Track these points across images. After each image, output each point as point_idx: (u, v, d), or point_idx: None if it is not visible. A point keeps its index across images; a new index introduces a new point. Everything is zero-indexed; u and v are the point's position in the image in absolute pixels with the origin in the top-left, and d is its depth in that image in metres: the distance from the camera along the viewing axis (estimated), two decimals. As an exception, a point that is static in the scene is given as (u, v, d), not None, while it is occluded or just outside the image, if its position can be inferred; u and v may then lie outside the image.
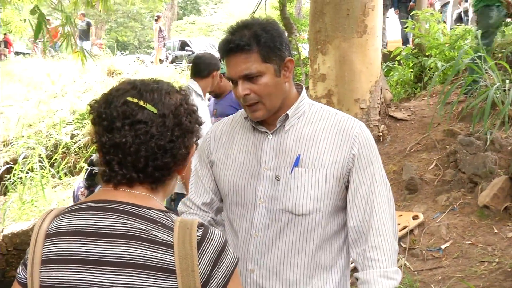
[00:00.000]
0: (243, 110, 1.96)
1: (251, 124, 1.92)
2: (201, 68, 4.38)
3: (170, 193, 1.49)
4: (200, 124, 1.46)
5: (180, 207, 2.14)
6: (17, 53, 21.51)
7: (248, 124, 1.95)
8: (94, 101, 1.40)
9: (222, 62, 1.87)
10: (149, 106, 1.33)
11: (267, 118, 1.87)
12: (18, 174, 9.09)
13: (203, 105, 4.31)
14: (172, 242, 1.27)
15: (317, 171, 1.79)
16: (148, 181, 1.36)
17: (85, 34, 18.33)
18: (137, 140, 1.31)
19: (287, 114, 1.86)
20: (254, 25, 1.79)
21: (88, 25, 18.73)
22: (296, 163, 1.81)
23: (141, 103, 1.33)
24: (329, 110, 1.91)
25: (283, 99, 1.85)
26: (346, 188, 1.84)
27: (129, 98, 1.33)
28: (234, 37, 1.76)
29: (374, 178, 1.82)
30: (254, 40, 1.75)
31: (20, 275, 1.39)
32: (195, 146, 1.45)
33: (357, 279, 1.83)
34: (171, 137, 1.34)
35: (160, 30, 19.80)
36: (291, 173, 1.81)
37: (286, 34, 1.93)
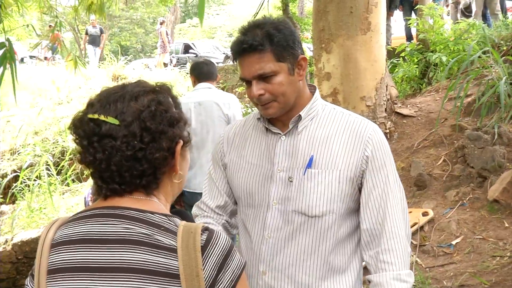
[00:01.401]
0: (255, 111, 1.95)
1: (264, 125, 1.91)
2: (213, 71, 4.45)
3: (176, 194, 1.47)
4: (178, 121, 1.40)
5: (194, 210, 2.13)
6: (22, 60, 21.55)
7: (261, 126, 1.94)
8: (71, 121, 1.37)
9: (235, 62, 1.86)
10: (110, 119, 1.29)
11: (280, 118, 1.87)
12: (25, 182, 9.11)
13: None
14: (176, 246, 1.26)
15: (330, 173, 1.78)
16: (135, 190, 1.34)
17: (97, 40, 18.37)
18: (104, 156, 1.29)
19: (300, 115, 1.84)
20: (266, 25, 1.78)
21: (101, 31, 18.73)
22: (309, 165, 1.80)
23: (102, 117, 1.29)
24: (343, 112, 1.90)
25: (297, 97, 1.84)
26: (359, 190, 1.83)
27: (90, 115, 1.30)
28: (247, 37, 1.75)
29: (387, 181, 1.81)
30: (267, 40, 1.74)
31: (28, 286, 1.39)
32: (181, 142, 1.39)
33: (369, 282, 1.82)
34: (140, 145, 1.30)
35: (166, 34, 19.81)
36: (304, 174, 1.80)
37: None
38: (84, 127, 1.31)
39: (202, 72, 4.39)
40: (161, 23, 20.67)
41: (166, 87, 1.43)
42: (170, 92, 1.43)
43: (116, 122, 1.29)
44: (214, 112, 4.15)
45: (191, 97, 4.27)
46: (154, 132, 1.32)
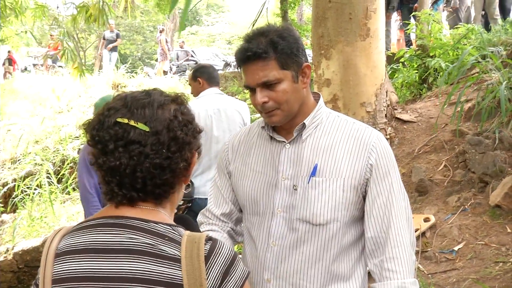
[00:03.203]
0: (260, 119, 1.96)
1: (268, 133, 1.92)
2: (218, 76, 4.44)
3: (178, 203, 1.48)
4: (198, 132, 1.43)
5: (200, 218, 2.14)
6: (25, 69, 21.59)
7: (265, 134, 1.94)
8: (87, 122, 1.37)
9: (240, 70, 1.86)
10: (140, 125, 1.30)
11: (284, 126, 1.88)
12: (26, 191, 9.12)
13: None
14: (180, 256, 1.27)
15: (335, 181, 1.79)
16: (151, 198, 1.35)
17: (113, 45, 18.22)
18: (131, 161, 1.29)
19: (304, 124, 1.85)
20: (270, 32, 1.78)
21: (117, 36, 18.58)
22: (314, 173, 1.80)
23: (132, 122, 1.29)
24: (347, 119, 1.90)
25: (301, 105, 1.84)
26: (364, 198, 1.84)
27: (119, 119, 1.30)
28: (251, 45, 1.75)
29: (391, 189, 1.81)
30: (271, 47, 1.74)
31: None
32: (196, 154, 1.42)
33: None
34: (167, 154, 1.31)
35: (166, 42, 19.82)
36: (308, 183, 1.80)
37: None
38: (109, 131, 1.30)
39: (212, 76, 4.34)
40: (160, 31, 20.72)
41: (184, 97, 1.45)
42: (187, 103, 1.45)
43: (147, 128, 1.30)
44: (236, 120, 4.11)
45: (208, 103, 4.15)
46: (181, 143, 1.34)
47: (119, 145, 1.29)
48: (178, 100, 1.41)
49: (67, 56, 5.93)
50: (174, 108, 1.37)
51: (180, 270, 1.25)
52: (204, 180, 4.05)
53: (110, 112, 1.33)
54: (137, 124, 1.30)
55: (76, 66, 6.13)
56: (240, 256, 1.63)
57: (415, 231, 4.41)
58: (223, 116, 4.09)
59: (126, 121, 1.30)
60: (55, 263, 1.32)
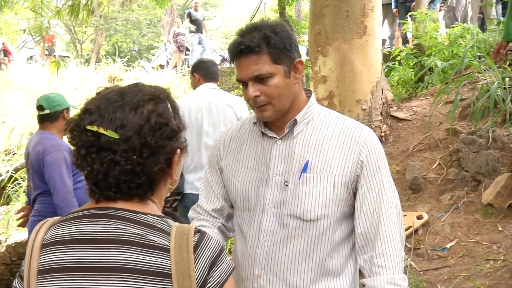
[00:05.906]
0: (252, 115, 1.96)
1: (260, 129, 1.93)
2: (218, 71, 4.42)
3: (166, 194, 1.48)
4: (177, 132, 1.39)
5: (191, 213, 2.14)
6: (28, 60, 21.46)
7: (257, 130, 1.95)
8: (69, 121, 1.36)
9: (232, 64, 1.87)
10: (109, 132, 1.27)
11: (276, 123, 1.88)
12: (20, 183, 9.09)
13: None
14: (169, 246, 1.27)
15: (326, 177, 1.80)
16: (132, 197, 1.34)
17: (200, 26, 16.92)
18: (102, 168, 1.28)
19: (295, 120, 1.86)
20: (264, 27, 1.79)
21: (202, 17, 17.21)
22: (305, 169, 1.81)
23: (101, 130, 1.27)
24: (338, 116, 1.91)
25: (292, 101, 1.85)
26: (354, 194, 1.85)
27: (89, 126, 1.28)
28: (244, 39, 1.77)
29: (382, 185, 1.82)
30: (264, 42, 1.75)
31: (17, 287, 1.38)
32: (178, 151, 1.39)
33: (363, 285, 1.83)
34: (138, 160, 1.29)
35: (178, 34, 18.96)
36: (299, 179, 1.81)
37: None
38: (81, 136, 1.30)
39: (209, 71, 4.32)
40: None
41: (166, 92, 1.42)
42: (169, 98, 1.42)
43: (116, 136, 1.27)
44: (227, 115, 4.09)
45: (200, 97, 4.15)
46: (153, 147, 1.31)
47: (92, 152, 1.28)
48: (156, 99, 1.37)
49: (44, 48, 5.97)
50: (149, 109, 1.33)
51: (169, 260, 1.25)
52: (198, 176, 4.04)
53: (85, 115, 1.31)
54: (107, 131, 1.27)
55: (53, 61, 6.10)
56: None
57: (408, 229, 4.45)
58: (214, 110, 4.08)
59: (95, 128, 1.28)
60: (42, 254, 1.31)
